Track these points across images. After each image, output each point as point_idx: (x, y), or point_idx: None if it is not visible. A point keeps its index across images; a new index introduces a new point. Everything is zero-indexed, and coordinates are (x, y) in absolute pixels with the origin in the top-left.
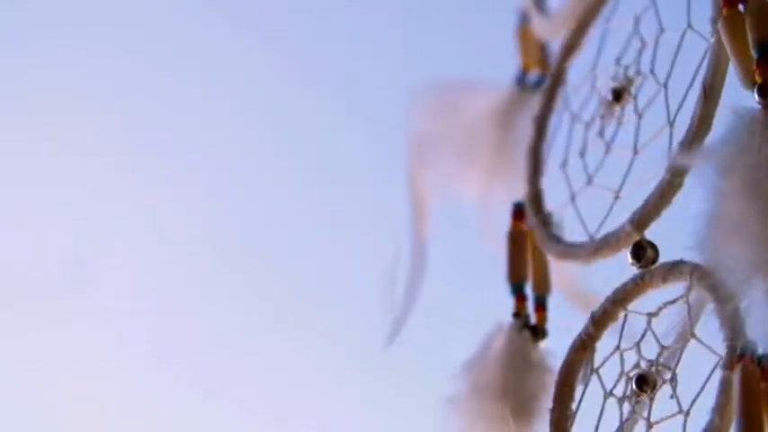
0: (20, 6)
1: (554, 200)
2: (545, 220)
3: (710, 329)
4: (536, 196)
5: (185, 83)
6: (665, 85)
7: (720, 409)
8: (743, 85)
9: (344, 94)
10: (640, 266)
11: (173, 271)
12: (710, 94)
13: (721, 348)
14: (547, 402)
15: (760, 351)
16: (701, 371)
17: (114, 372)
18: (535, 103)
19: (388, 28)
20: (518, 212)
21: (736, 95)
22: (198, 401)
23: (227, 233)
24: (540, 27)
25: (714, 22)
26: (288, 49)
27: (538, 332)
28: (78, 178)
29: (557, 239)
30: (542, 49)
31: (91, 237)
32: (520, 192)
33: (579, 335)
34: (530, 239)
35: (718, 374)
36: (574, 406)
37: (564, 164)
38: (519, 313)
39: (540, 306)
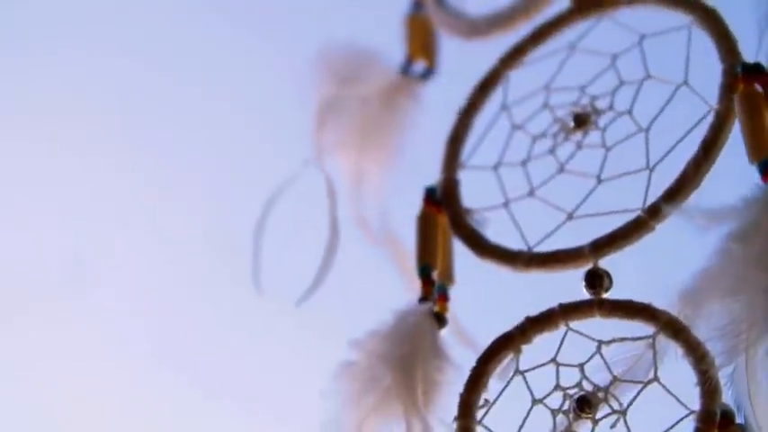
0: (20, 6)
1: (475, 197)
2: (462, 211)
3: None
4: (451, 185)
5: (185, 83)
6: (647, 130)
7: None
8: (750, 158)
9: None
10: (593, 293)
11: (172, 271)
12: (708, 154)
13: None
14: (443, 388)
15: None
16: (646, 410)
17: (114, 372)
18: (419, 92)
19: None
20: (429, 197)
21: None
22: (198, 401)
23: (227, 233)
24: (441, 21)
25: (726, 90)
26: (288, 50)
27: (440, 320)
28: (78, 178)
29: (482, 236)
30: (432, 42)
31: (91, 237)
32: (389, 176)
33: (511, 330)
34: (441, 226)
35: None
36: (485, 395)
37: (497, 166)
38: (426, 297)
39: (443, 296)
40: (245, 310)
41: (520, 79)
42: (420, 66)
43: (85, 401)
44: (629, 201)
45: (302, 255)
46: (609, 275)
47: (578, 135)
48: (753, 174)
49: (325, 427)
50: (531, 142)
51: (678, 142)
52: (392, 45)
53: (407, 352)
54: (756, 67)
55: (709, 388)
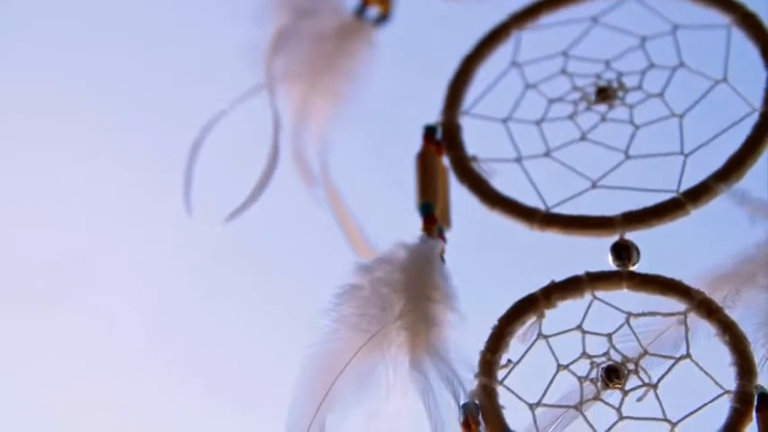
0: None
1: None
2: (467, 157)
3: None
4: (452, 127)
5: (186, 82)
6: (682, 117)
7: None
8: None
9: None
10: (619, 264)
11: (172, 271)
12: (754, 148)
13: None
14: (447, 330)
15: None
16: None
17: (113, 372)
18: (373, 37)
19: None
20: (429, 135)
21: None
22: (197, 401)
23: (227, 233)
24: None
25: None
26: None
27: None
28: (77, 178)
29: (492, 185)
30: None
31: (90, 237)
32: (335, 118)
33: (535, 292)
34: (440, 167)
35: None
36: (505, 357)
37: (507, 119)
38: (428, 234)
39: (441, 238)
40: (245, 310)
41: (533, 44)
42: (374, 11)
43: (84, 401)
44: (655, 179)
45: (240, 180)
46: (638, 249)
47: (602, 107)
48: None
49: (321, 349)
50: (546, 104)
51: (717, 135)
52: None
53: (419, 284)
54: None
55: (746, 368)
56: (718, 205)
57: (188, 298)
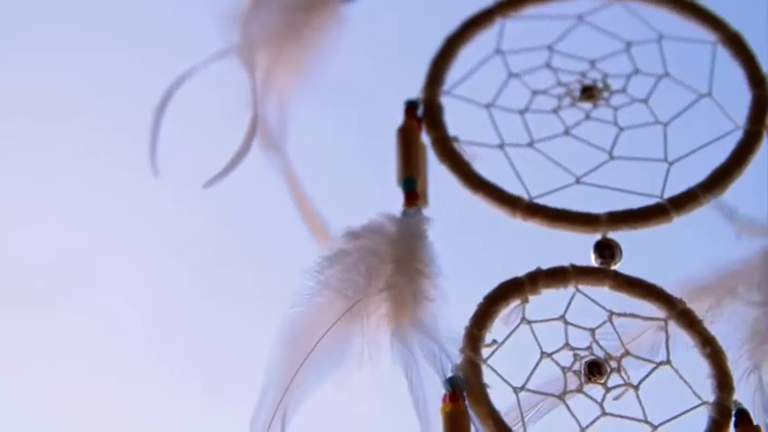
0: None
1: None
2: (448, 137)
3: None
4: (433, 105)
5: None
6: (667, 125)
7: None
8: None
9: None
10: (602, 263)
11: (172, 271)
12: (738, 163)
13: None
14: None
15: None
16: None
17: (113, 372)
18: (342, 12)
19: None
20: (410, 110)
21: None
22: (197, 401)
23: (228, 233)
24: None
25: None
26: None
27: None
28: (78, 178)
29: (474, 168)
30: None
31: (90, 237)
32: (297, 89)
33: (520, 276)
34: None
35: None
36: (489, 336)
37: (490, 105)
38: (411, 207)
39: None
40: (244, 309)
41: (517, 35)
42: None
43: (84, 401)
44: (628, 181)
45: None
46: (621, 249)
47: (586, 105)
48: None
49: (305, 311)
50: (530, 95)
51: (701, 147)
52: None
53: (406, 255)
54: None
55: (724, 382)
56: (705, 212)
57: (188, 298)
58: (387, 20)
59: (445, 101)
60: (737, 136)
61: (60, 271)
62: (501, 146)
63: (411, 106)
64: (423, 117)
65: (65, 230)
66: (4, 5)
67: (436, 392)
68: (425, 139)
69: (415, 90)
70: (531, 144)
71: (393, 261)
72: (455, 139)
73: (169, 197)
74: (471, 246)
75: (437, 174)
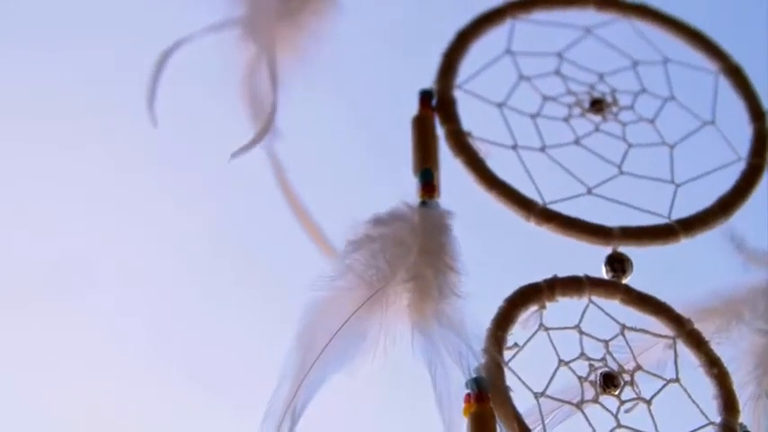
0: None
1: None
2: (463, 131)
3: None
4: (446, 97)
5: (187, 83)
6: (673, 147)
7: None
8: None
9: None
10: (613, 276)
11: (172, 270)
12: (741, 194)
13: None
14: (447, 275)
15: None
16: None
17: (112, 372)
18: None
19: None
20: (425, 99)
21: None
22: (197, 402)
23: (228, 232)
24: None
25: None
26: None
27: None
28: (77, 177)
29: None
30: None
31: (90, 237)
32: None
33: (539, 282)
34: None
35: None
36: (511, 339)
37: (503, 105)
38: (426, 202)
39: None
40: (245, 309)
41: (528, 38)
42: None
43: (85, 401)
44: (634, 194)
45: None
46: (632, 263)
47: (596, 117)
48: None
49: (328, 296)
50: (541, 100)
51: (705, 174)
52: None
53: (437, 250)
54: None
55: (730, 404)
56: (713, 235)
57: (188, 298)
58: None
59: (457, 95)
60: (740, 167)
61: (60, 271)
62: (514, 147)
63: (426, 96)
64: (437, 108)
65: (65, 230)
66: (4, 5)
67: (459, 389)
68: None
69: (408, 81)
70: (543, 149)
71: (419, 252)
72: (469, 134)
73: (169, 197)
74: (477, 243)
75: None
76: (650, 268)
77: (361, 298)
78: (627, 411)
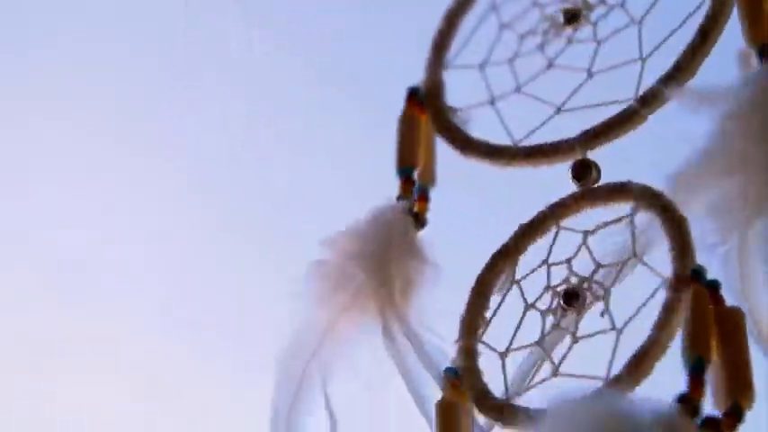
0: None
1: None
2: (446, 110)
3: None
4: (435, 86)
5: (188, 84)
6: (641, 22)
7: (661, 325)
8: (749, 43)
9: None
10: (581, 185)
11: (173, 270)
12: (706, 40)
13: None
14: (420, 288)
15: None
16: (634, 295)
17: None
18: None
19: None
20: (412, 97)
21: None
22: (198, 402)
23: (230, 232)
24: None
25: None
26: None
27: (418, 220)
28: (79, 178)
29: (465, 132)
30: None
31: (91, 237)
32: None
33: (506, 243)
34: (423, 127)
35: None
36: (488, 314)
37: (483, 65)
38: (404, 197)
39: (423, 196)
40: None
41: None
42: None
43: (86, 402)
44: (622, 95)
45: None
46: (597, 166)
47: (569, 31)
48: None
49: (296, 328)
50: (518, 40)
51: (672, 33)
52: None
53: (380, 249)
54: None
55: (682, 247)
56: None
57: (190, 297)
58: None
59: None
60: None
61: (61, 271)
62: (492, 101)
63: (412, 94)
64: (425, 99)
65: (66, 230)
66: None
67: (433, 389)
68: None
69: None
70: (518, 89)
71: (368, 255)
72: (452, 110)
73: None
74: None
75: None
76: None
77: (332, 317)
78: (602, 315)
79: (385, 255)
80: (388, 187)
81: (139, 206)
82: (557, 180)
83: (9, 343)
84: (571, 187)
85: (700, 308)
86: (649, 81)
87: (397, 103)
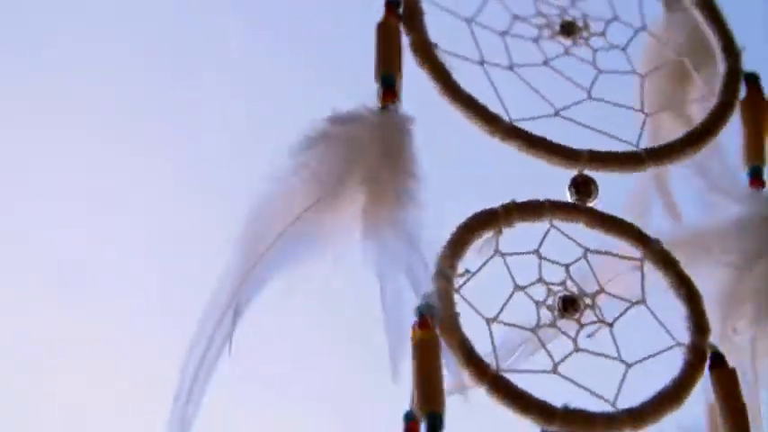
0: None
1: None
2: (429, 41)
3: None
4: (414, 8)
5: (189, 85)
6: (644, 76)
7: (676, 393)
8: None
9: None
10: (578, 198)
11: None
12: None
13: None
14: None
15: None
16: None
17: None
18: None
19: None
20: (390, 7)
21: None
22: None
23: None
24: None
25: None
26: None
27: None
28: (80, 178)
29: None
30: None
31: (91, 238)
32: None
33: (495, 207)
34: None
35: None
36: (462, 266)
37: (471, 20)
38: (386, 107)
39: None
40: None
41: None
42: None
43: (88, 402)
44: (602, 119)
45: None
46: (597, 187)
47: (566, 41)
48: None
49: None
50: (510, 18)
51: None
52: None
53: (396, 154)
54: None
55: (700, 324)
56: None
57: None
58: None
59: (425, 6)
60: (712, 103)
61: (61, 271)
62: (481, 63)
63: (392, 3)
64: (403, 17)
65: (65, 231)
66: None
67: (408, 307)
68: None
69: None
70: (511, 67)
71: (377, 155)
72: (435, 45)
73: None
74: (438, 158)
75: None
76: (613, 199)
77: (313, 196)
78: (590, 336)
79: (394, 157)
80: None
81: (140, 206)
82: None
83: (9, 343)
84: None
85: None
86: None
87: None
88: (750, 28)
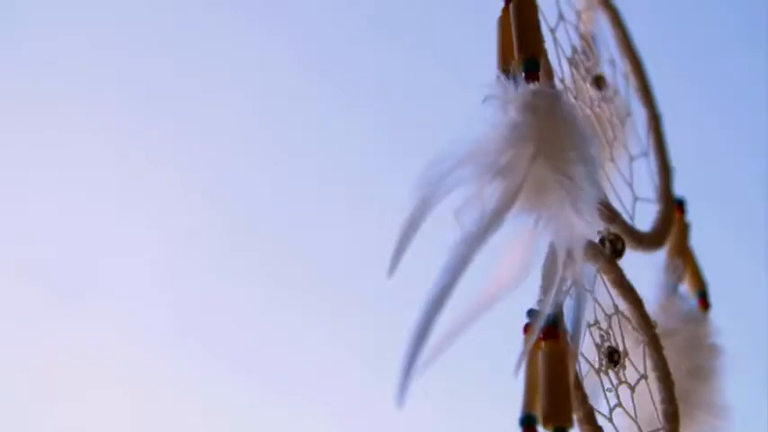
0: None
1: None
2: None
3: None
4: None
5: (189, 86)
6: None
7: None
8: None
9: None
10: (612, 255)
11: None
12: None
13: None
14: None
15: None
16: None
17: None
18: None
19: None
20: None
21: None
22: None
23: (236, 230)
24: None
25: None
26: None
27: None
28: (80, 178)
29: None
30: None
31: (92, 238)
32: None
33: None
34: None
35: None
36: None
37: (554, 29)
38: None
39: None
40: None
41: None
42: None
43: (90, 403)
44: None
45: None
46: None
47: (592, 89)
48: None
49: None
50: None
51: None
52: None
53: (567, 138)
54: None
55: (672, 413)
56: None
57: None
58: None
59: None
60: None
61: (62, 271)
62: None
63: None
64: None
65: (66, 231)
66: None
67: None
68: None
69: None
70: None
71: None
72: None
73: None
74: None
75: None
76: None
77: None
78: (608, 390)
79: (567, 144)
80: None
81: (143, 208)
82: None
83: (11, 348)
84: None
85: None
86: None
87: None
88: None
